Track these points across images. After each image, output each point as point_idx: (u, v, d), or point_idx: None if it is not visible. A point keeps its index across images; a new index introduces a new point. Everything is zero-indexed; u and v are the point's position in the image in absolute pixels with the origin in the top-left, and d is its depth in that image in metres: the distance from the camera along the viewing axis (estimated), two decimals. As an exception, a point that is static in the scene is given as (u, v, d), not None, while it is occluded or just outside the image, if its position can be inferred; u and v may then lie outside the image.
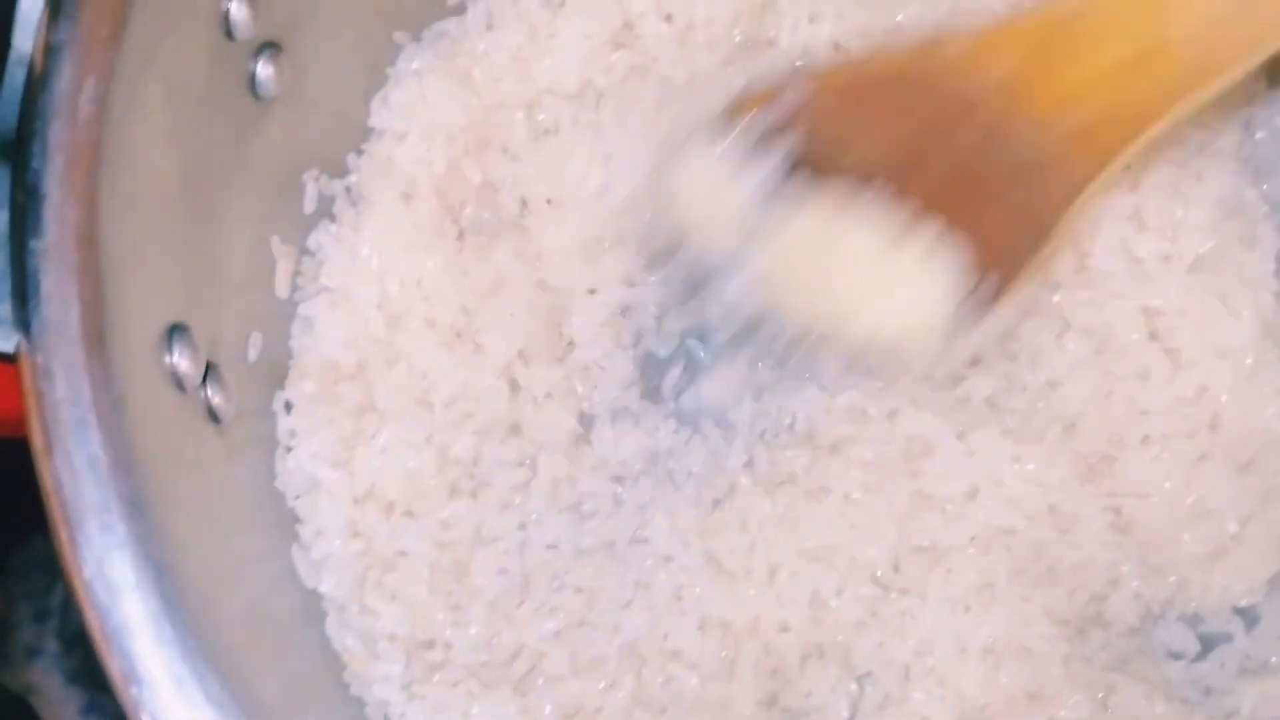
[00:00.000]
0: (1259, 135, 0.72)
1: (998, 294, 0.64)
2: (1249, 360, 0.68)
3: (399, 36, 0.68)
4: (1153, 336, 0.69)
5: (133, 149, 0.49)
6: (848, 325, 0.64)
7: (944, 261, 0.63)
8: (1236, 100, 0.72)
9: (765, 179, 0.64)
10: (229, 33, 0.54)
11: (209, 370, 0.54)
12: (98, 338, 0.45)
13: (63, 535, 0.43)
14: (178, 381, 0.51)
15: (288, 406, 0.63)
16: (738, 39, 0.70)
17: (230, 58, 0.56)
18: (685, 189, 0.65)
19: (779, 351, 0.66)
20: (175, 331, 0.51)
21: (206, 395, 0.54)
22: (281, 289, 0.64)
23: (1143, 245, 0.69)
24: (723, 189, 0.64)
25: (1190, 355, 0.68)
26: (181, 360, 0.51)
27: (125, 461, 0.45)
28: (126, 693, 0.42)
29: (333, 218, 0.67)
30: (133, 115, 0.49)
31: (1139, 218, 0.69)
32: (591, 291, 0.68)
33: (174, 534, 0.47)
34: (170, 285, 0.52)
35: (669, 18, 0.69)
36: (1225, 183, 0.70)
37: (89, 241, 0.46)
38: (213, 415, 0.54)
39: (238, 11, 0.54)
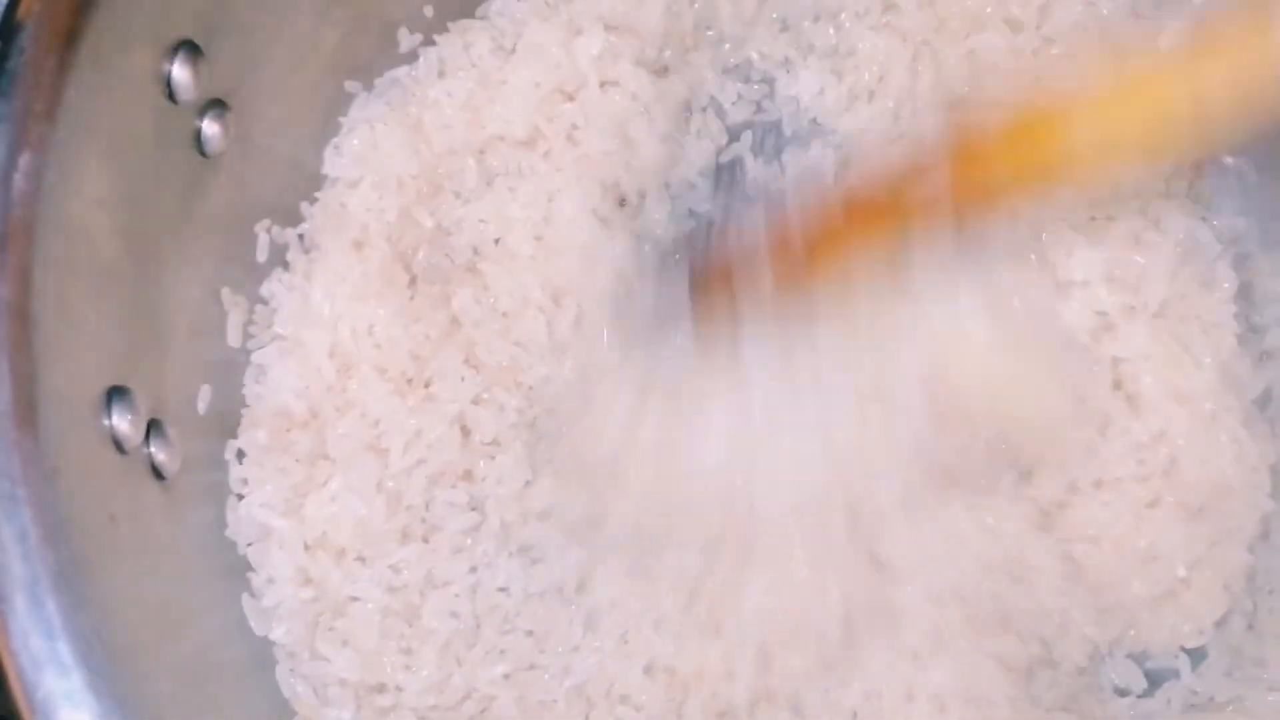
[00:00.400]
0: (1208, 172, 0.73)
1: None
2: (1208, 406, 0.68)
3: (350, 86, 0.69)
4: (1116, 385, 0.69)
5: (70, 219, 0.50)
6: None
7: None
8: None
9: None
10: (171, 96, 0.55)
11: (152, 428, 0.55)
12: (29, 411, 0.46)
13: (-12, 609, 0.44)
14: (117, 444, 0.52)
15: (240, 455, 0.64)
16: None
17: (174, 119, 0.56)
18: None
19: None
20: (115, 394, 0.52)
21: (149, 453, 0.55)
22: (233, 338, 0.64)
23: (1109, 299, 0.69)
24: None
25: (1149, 401, 0.69)
26: (121, 422, 0.52)
27: (55, 534, 0.46)
28: (53, 764, 0.43)
29: (286, 265, 0.68)
30: (70, 186, 0.50)
31: (1104, 271, 0.69)
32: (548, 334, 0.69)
33: (108, 599, 0.48)
34: (110, 349, 0.53)
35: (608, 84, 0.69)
36: (1182, 225, 0.70)
37: (21, 317, 0.46)
38: (156, 472, 0.55)
39: (179, 74, 0.55)
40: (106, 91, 0.51)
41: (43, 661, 0.44)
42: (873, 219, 0.62)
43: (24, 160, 0.47)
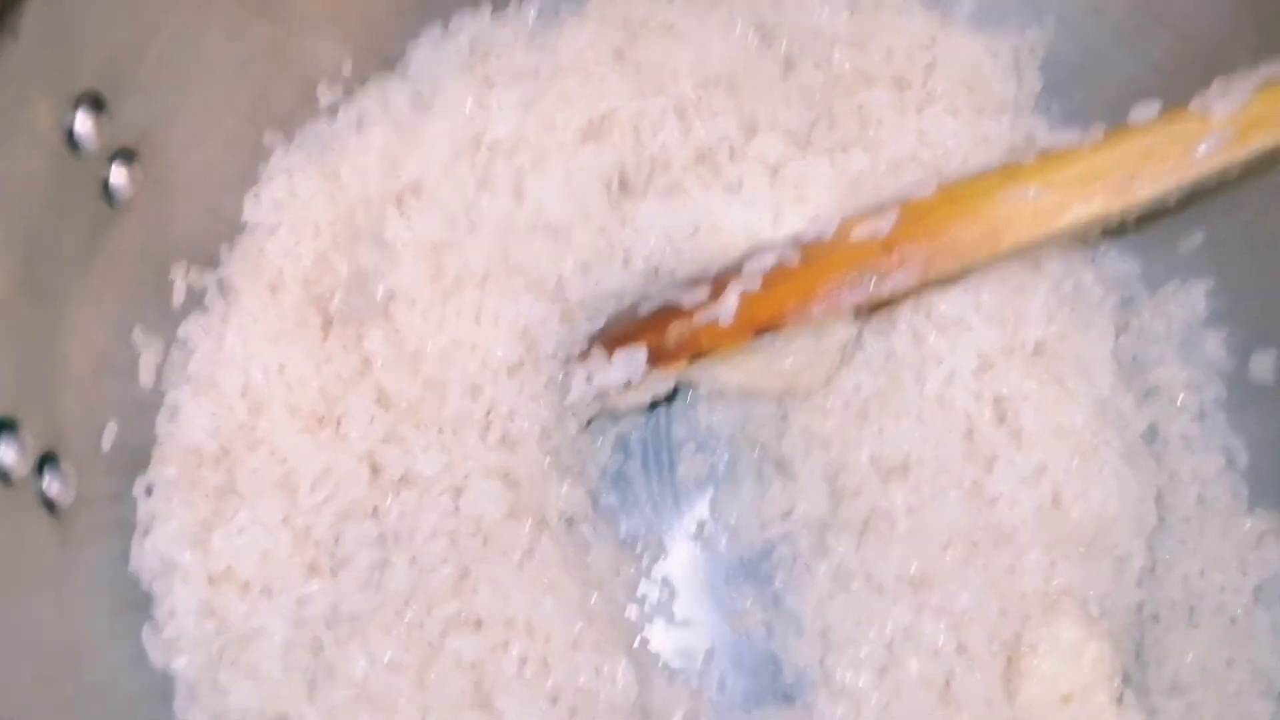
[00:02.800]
0: None
1: None
2: (1087, 439, 0.70)
3: (270, 137, 0.72)
4: (999, 421, 0.71)
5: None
6: None
7: None
8: None
9: None
10: (74, 146, 0.58)
11: (46, 461, 0.57)
12: (-93, 440, 0.48)
13: None
14: (2, 475, 0.54)
15: (148, 490, 0.66)
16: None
17: (77, 169, 0.59)
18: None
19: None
20: (1, 426, 0.54)
21: (41, 487, 0.57)
22: (146, 378, 0.67)
23: (987, 342, 0.71)
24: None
25: (1031, 436, 0.70)
26: (7, 454, 0.54)
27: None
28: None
29: (204, 308, 0.70)
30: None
31: (982, 313, 0.71)
32: (456, 380, 0.71)
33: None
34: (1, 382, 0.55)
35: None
36: (1060, 269, 0.72)
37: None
38: (48, 505, 0.57)
39: (82, 126, 0.58)
40: (3, 143, 0.54)
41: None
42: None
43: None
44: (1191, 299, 0.74)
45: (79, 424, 0.61)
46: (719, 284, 0.69)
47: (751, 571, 0.75)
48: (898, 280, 0.65)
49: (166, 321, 0.68)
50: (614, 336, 0.72)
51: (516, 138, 0.72)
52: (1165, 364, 0.76)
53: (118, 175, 0.61)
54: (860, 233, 0.67)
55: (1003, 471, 0.70)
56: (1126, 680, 0.68)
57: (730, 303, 0.68)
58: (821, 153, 0.76)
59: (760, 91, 0.76)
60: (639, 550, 0.75)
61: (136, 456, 0.66)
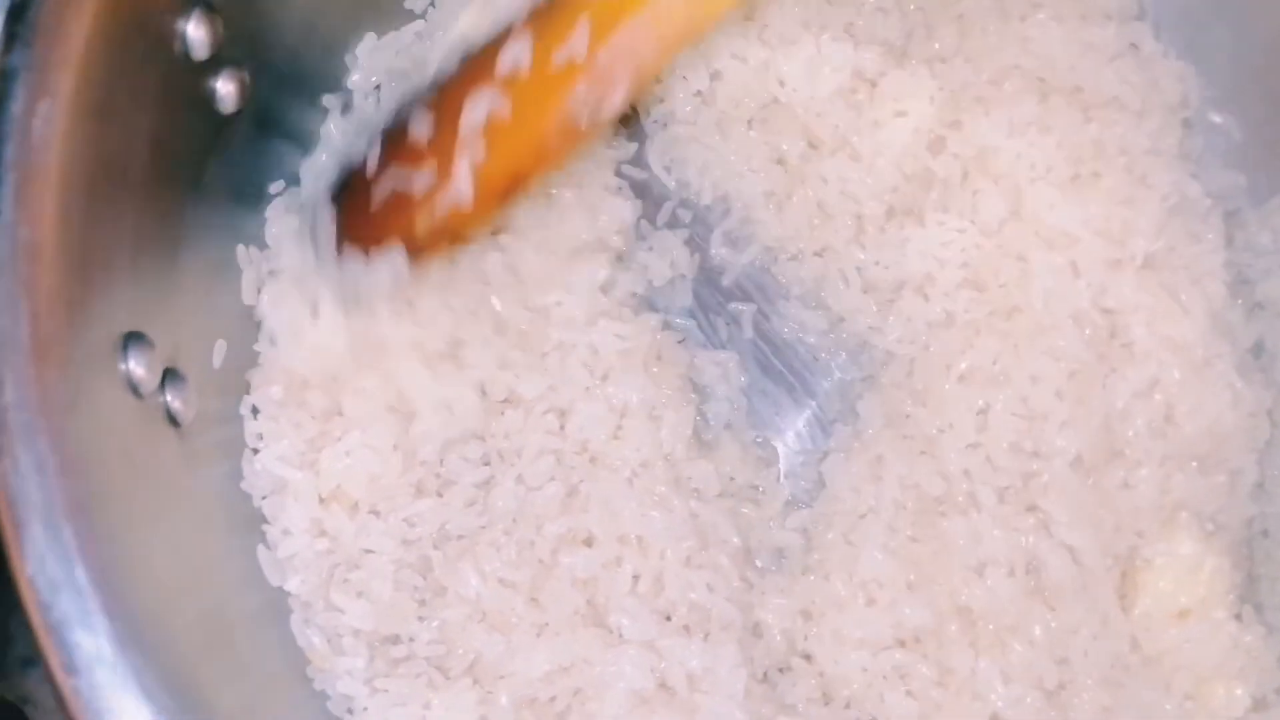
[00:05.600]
0: (1197, 131, 0.75)
1: None
2: (1199, 353, 0.69)
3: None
4: (1111, 335, 0.70)
5: (90, 168, 0.51)
6: None
7: None
8: (1173, 102, 0.73)
9: None
10: (187, 54, 0.57)
11: (168, 376, 0.57)
12: (47, 347, 0.48)
13: (8, 533, 0.45)
14: (134, 388, 0.53)
15: (254, 411, 0.65)
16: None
17: (190, 78, 0.58)
18: None
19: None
20: (131, 339, 0.54)
21: (165, 400, 0.56)
22: (249, 296, 0.66)
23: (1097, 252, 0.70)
24: None
25: (1143, 350, 0.69)
26: (137, 367, 0.54)
27: (73, 465, 0.47)
28: (65, 684, 0.44)
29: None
30: (88, 136, 0.51)
31: (1090, 224, 0.70)
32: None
33: (124, 535, 0.49)
34: (128, 296, 0.54)
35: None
36: (1169, 180, 0.71)
37: (39, 258, 0.48)
38: (172, 419, 0.57)
39: (195, 32, 0.57)
40: (124, 45, 0.53)
41: (59, 584, 0.45)
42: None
43: (43, 107, 0.49)
44: (1298, 212, 0.73)
45: (194, 340, 0.60)
46: (439, 154, 0.63)
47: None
48: (617, 96, 0.61)
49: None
50: (355, 225, 0.65)
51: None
52: (1272, 278, 0.74)
53: (224, 85, 0.60)
54: (559, 59, 0.62)
55: (1115, 386, 0.69)
56: (1242, 596, 0.68)
57: (464, 182, 0.62)
58: (920, 63, 0.74)
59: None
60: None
61: (241, 376, 0.66)
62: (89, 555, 0.46)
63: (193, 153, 0.60)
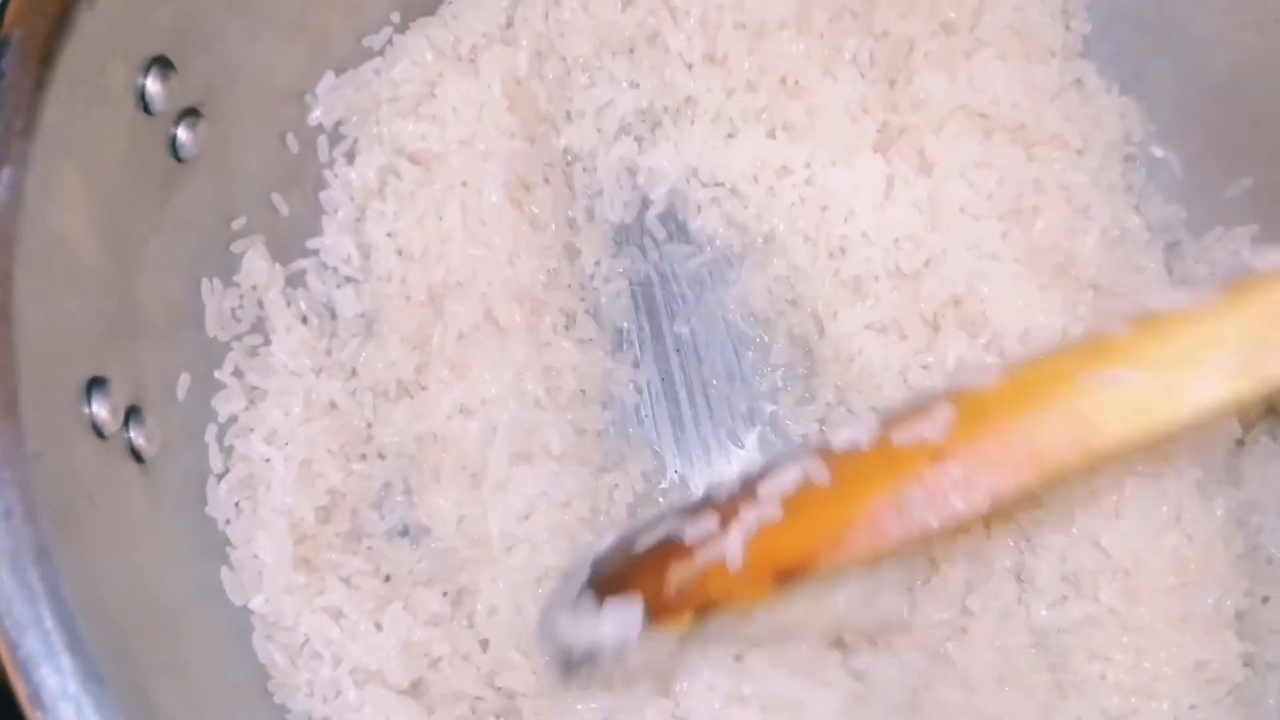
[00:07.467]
0: (1139, 165, 0.77)
1: None
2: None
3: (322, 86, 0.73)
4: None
5: (49, 225, 0.54)
6: None
7: None
8: (1115, 138, 0.76)
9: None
10: (145, 107, 0.59)
11: (131, 414, 0.60)
12: (12, 402, 0.51)
13: (-25, 579, 0.49)
14: (97, 430, 0.57)
15: (220, 438, 0.69)
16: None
17: (148, 129, 0.60)
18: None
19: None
20: (94, 384, 0.57)
21: (129, 437, 0.60)
22: (212, 329, 0.69)
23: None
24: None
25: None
26: (100, 410, 0.57)
27: (38, 511, 0.51)
28: (31, 715, 0.48)
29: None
30: (49, 195, 0.54)
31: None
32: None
33: (88, 570, 0.53)
34: (90, 342, 0.57)
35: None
36: (1109, 214, 0.74)
37: (3, 316, 0.51)
38: (136, 455, 0.60)
39: (152, 88, 0.59)
40: (83, 107, 0.55)
41: (25, 625, 0.49)
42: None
43: (5, 174, 0.52)
44: (1236, 245, 0.75)
45: (157, 375, 0.63)
46: (727, 510, 0.55)
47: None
48: (958, 503, 0.50)
49: (232, 272, 0.70)
50: (605, 579, 0.57)
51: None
52: (1209, 308, 0.77)
53: (184, 133, 0.63)
54: (904, 438, 0.52)
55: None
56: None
57: (736, 536, 0.53)
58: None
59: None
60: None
61: (209, 404, 0.69)
62: (54, 597, 0.50)
63: (153, 197, 0.62)
